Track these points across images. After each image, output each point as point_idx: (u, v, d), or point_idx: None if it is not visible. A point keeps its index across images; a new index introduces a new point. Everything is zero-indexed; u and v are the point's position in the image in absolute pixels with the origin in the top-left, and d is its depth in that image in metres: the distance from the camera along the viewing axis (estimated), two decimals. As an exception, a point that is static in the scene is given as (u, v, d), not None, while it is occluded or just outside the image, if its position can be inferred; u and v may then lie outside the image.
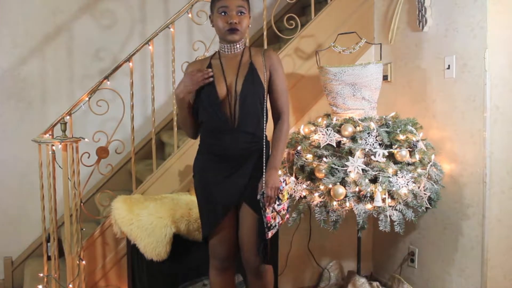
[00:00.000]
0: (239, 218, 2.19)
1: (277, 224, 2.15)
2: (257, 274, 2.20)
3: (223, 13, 2.11)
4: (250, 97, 2.12)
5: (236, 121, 2.12)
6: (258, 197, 2.08)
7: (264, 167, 2.13)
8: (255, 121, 2.15)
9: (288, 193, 2.23)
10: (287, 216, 2.25)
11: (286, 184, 2.19)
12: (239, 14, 2.11)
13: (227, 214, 2.17)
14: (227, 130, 2.13)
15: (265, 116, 2.17)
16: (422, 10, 2.88)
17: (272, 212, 2.10)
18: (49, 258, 2.77)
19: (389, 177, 2.51)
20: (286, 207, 2.20)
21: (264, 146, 2.16)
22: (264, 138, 2.19)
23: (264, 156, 2.14)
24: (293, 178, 2.38)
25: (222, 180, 2.16)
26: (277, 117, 2.23)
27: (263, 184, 2.09)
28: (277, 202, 2.12)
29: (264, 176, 2.11)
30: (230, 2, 2.10)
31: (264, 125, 2.18)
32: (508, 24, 2.56)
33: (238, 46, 2.18)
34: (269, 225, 2.09)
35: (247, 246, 2.16)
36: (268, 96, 2.21)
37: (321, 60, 3.00)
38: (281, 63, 2.22)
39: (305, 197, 2.70)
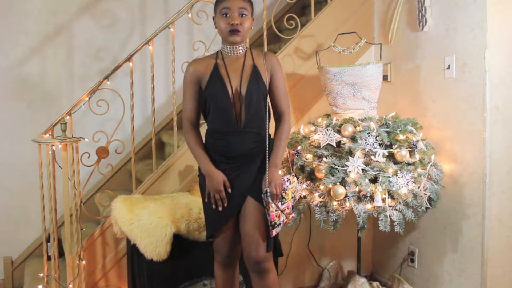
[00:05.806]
0: (243, 214, 2.18)
1: (281, 223, 2.16)
2: (259, 272, 2.17)
3: (225, 15, 2.13)
4: (255, 97, 2.16)
5: (243, 122, 2.16)
6: (262, 195, 2.11)
7: (267, 165, 2.16)
8: (260, 121, 2.19)
9: (292, 193, 2.25)
10: (292, 215, 2.26)
11: (290, 184, 2.21)
12: (241, 15, 2.14)
13: (233, 215, 2.20)
14: (233, 131, 2.16)
15: (268, 116, 2.21)
16: (422, 10, 2.88)
17: (276, 210, 2.12)
18: (49, 258, 2.77)
19: (389, 177, 2.51)
20: (290, 206, 2.23)
21: (268, 144, 2.19)
22: (268, 137, 2.21)
23: (268, 155, 2.18)
24: (296, 178, 2.39)
25: (230, 181, 2.17)
26: (278, 118, 2.27)
27: (266, 182, 2.12)
28: (281, 201, 2.15)
29: (266, 174, 2.14)
30: (232, 3, 2.13)
31: (267, 124, 2.22)
32: (508, 24, 2.56)
33: (240, 48, 2.21)
34: (273, 223, 2.11)
35: (250, 241, 2.15)
36: (269, 97, 2.25)
37: (321, 60, 3.00)
38: (281, 66, 2.27)
39: (305, 197, 2.70)
